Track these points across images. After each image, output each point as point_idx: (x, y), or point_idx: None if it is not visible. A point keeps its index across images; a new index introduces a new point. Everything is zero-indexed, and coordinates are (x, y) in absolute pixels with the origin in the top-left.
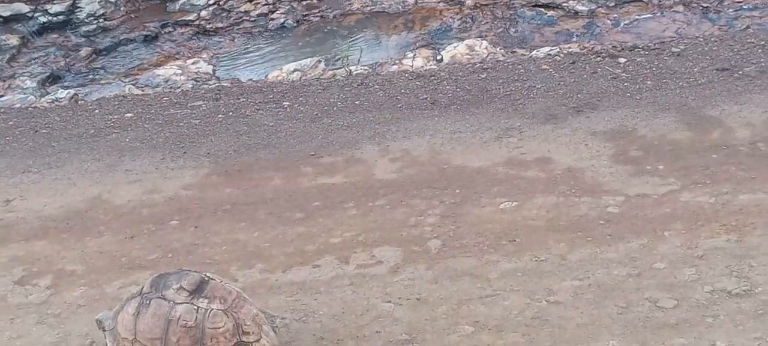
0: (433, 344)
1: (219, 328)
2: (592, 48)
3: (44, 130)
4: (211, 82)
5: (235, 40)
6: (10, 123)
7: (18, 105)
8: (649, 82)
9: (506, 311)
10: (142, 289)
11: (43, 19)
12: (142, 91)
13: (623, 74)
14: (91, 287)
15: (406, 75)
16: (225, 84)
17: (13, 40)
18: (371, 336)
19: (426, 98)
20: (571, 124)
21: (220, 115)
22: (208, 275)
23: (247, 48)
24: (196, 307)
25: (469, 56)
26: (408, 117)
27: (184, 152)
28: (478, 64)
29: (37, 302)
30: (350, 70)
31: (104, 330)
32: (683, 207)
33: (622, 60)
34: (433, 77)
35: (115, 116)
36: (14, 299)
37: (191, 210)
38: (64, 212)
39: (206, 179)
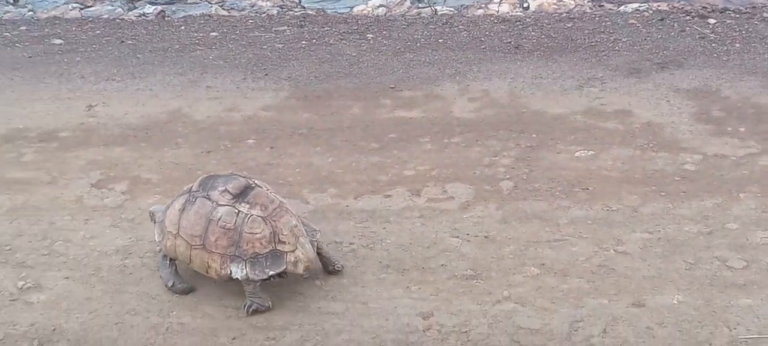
0: (497, 282)
1: (256, 233)
2: (682, 7)
3: (130, 42)
4: (296, 10)
5: None
6: (97, 32)
7: (106, 16)
8: (737, 45)
9: (573, 257)
10: (191, 187)
11: None
12: (228, 12)
13: (711, 35)
14: (166, 196)
15: (492, 18)
16: (310, 12)
17: None
18: (436, 269)
19: (510, 42)
20: (654, 79)
21: (303, 42)
22: (255, 181)
23: None
24: (237, 211)
25: (555, 6)
26: (490, 59)
27: (266, 74)
28: (565, 14)
29: (111, 205)
30: (436, 9)
31: (154, 222)
32: (761, 171)
33: (711, 21)
34: (518, 23)
35: (200, 34)
36: (90, 201)
37: (268, 131)
38: (144, 121)
39: (285, 102)
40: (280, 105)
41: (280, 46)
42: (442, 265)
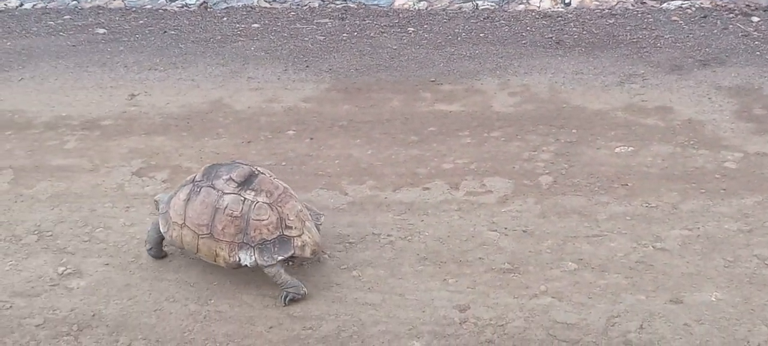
0: (535, 276)
1: (263, 220)
2: (725, 5)
3: (173, 32)
4: (337, 2)
5: None
6: (141, 22)
7: (149, 6)
8: None
9: (611, 252)
10: (194, 177)
11: None
12: (270, 4)
13: (755, 33)
14: None
15: (533, 14)
16: (351, 5)
17: None
18: (474, 262)
19: (551, 37)
20: (696, 76)
21: (344, 34)
22: (258, 169)
23: None
24: (242, 198)
25: (597, 2)
26: (531, 54)
27: (307, 66)
28: (607, 10)
29: (152, 193)
30: (477, 4)
31: (159, 212)
32: None
33: (754, 19)
34: (559, 18)
35: (242, 25)
36: (131, 189)
37: (308, 122)
38: (186, 111)
39: (326, 94)
40: (321, 97)
41: (322, 38)
42: (480, 258)
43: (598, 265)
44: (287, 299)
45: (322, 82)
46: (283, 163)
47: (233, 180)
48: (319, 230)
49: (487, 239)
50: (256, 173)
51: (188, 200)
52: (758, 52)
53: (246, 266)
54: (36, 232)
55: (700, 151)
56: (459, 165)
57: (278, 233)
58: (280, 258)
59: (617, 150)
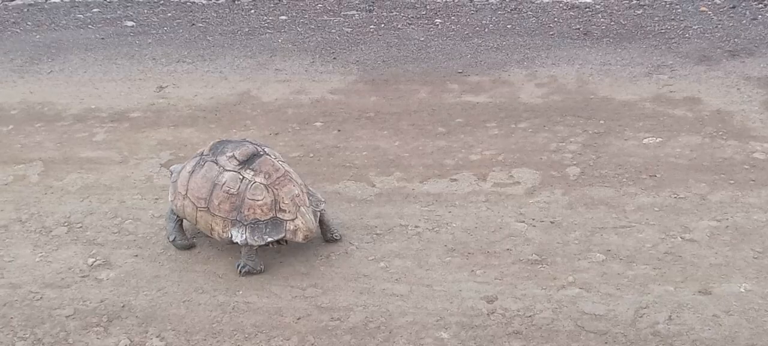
0: (563, 268)
1: (257, 200)
2: None
3: (200, 24)
4: None
5: None
6: (169, 15)
7: None
8: None
9: (639, 243)
10: (203, 151)
11: None
12: None
13: None
14: None
15: (561, 5)
16: None
17: None
18: (501, 253)
19: (578, 28)
20: (724, 67)
21: (371, 26)
22: (264, 149)
23: None
24: (241, 177)
25: None
26: (558, 45)
27: (334, 58)
28: (635, 1)
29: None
30: None
31: (170, 181)
32: None
33: None
34: (587, 9)
35: (270, 18)
36: (160, 181)
37: (336, 114)
38: (214, 103)
39: (353, 86)
40: (348, 88)
41: (349, 30)
42: (507, 249)
43: (626, 256)
44: (244, 269)
45: (349, 73)
46: (311, 155)
47: (235, 158)
48: (316, 216)
49: (514, 230)
50: (260, 153)
51: (192, 172)
52: None
53: (237, 243)
54: (66, 223)
55: (729, 141)
56: (486, 156)
57: (272, 215)
58: (270, 239)
59: (645, 141)
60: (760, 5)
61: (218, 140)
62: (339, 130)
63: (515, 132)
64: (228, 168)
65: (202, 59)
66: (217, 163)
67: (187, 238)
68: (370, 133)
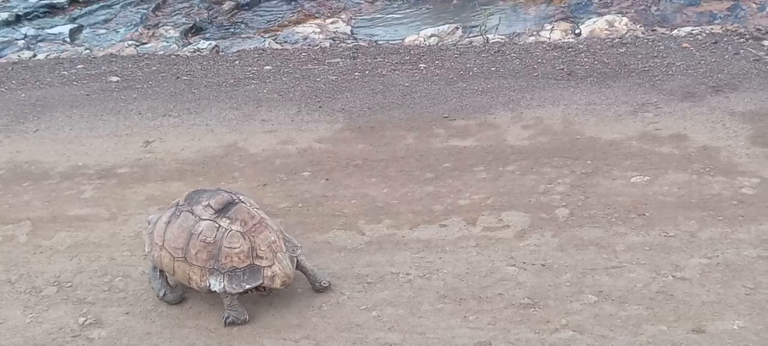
0: (555, 310)
1: (234, 248)
2: (736, 30)
3: (185, 78)
4: (348, 42)
5: (375, 2)
6: (154, 68)
7: (161, 52)
8: None
9: (631, 284)
10: (178, 201)
11: None
12: (282, 46)
13: (766, 57)
14: None
15: (544, 46)
16: (362, 44)
17: None
18: (493, 298)
19: (562, 69)
20: (709, 103)
21: (356, 73)
22: (240, 196)
23: (386, 11)
24: (217, 225)
25: (607, 31)
26: (543, 86)
27: (320, 106)
28: (617, 39)
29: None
30: (487, 38)
31: (146, 232)
32: None
33: (765, 43)
34: (570, 49)
35: (254, 68)
36: None
37: (323, 163)
38: (201, 156)
39: (339, 134)
40: (335, 137)
41: (334, 78)
42: (499, 294)
43: (618, 297)
44: (227, 320)
45: (335, 122)
46: (300, 205)
47: (211, 207)
48: (294, 262)
49: (506, 275)
50: (236, 201)
51: (169, 222)
52: None
53: (215, 291)
54: (55, 283)
55: (717, 178)
56: (475, 200)
57: (249, 262)
58: (248, 286)
59: (633, 180)
60: (742, 40)
61: (193, 190)
62: (327, 179)
63: (503, 175)
64: (204, 217)
65: (188, 112)
66: (192, 213)
67: (174, 290)
68: (358, 181)
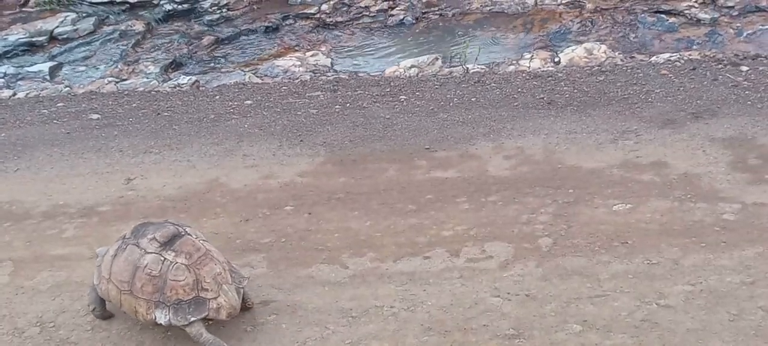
0: (540, 341)
1: (179, 281)
2: (714, 56)
3: (166, 114)
4: (329, 74)
5: (355, 34)
6: (134, 105)
7: (141, 88)
8: None
9: (615, 312)
10: (125, 234)
11: (168, 7)
12: (262, 80)
13: (745, 82)
14: None
15: (523, 75)
16: (343, 76)
17: (139, 26)
18: (478, 329)
19: (542, 98)
20: (689, 129)
21: (337, 106)
22: (186, 229)
23: (366, 43)
24: (163, 259)
25: (587, 59)
26: (523, 116)
27: (301, 140)
28: (596, 68)
29: None
30: (467, 68)
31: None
32: None
33: (743, 68)
34: (550, 78)
35: (235, 103)
36: None
37: (305, 197)
38: (183, 192)
39: (321, 167)
40: (317, 170)
41: (314, 111)
42: (484, 325)
43: (603, 326)
44: None
45: (316, 155)
46: (283, 240)
47: (157, 240)
48: (240, 293)
49: (490, 306)
50: (182, 233)
51: (115, 256)
52: (749, 102)
53: (161, 324)
54: (38, 324)
55: (698, 204)
56: (458, 232)
57: (194, 295)
58: (193, 319)
59: (615, 208)
60: (720, 66)
61: (140, 223)
62: (309, 213)
63: (485, 206)
64: (149, 250)
65: (169, 148)
66: (138, 246)
67: (105, 308)
68: (340, 214)
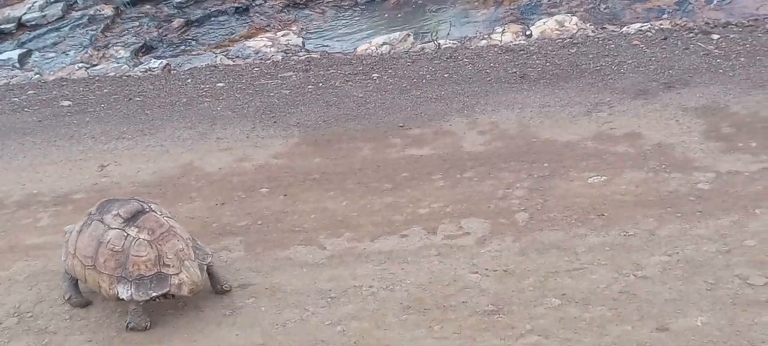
0: (519, 316)
1: (141, 256)
2: (684, 24)
3: (138, 99)
4: (300, 54)
5: (325, 13)
6: (105, 91)
7: (112, 74)
8: (742, 59)
9: (593, 285)
10: (90, 210)
11: None
12: (233, 61)
13: (716, 50)
14: None
15: (495, 49)
16: (315, 56)
17: (108, 11)
18: (457, 306)
19: (515, 72)
20: (661, 99)
21: (309, 86)
22: (150, 205)
23: (337, 21)
24: (125, 234)
25: (558, 32)
26: (497, 90)
27: (274, 122)
28: (568, 40)
29: None
30: (439, 44)
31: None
32: None
33: (714, 36)
34: (522, 52)
35: (207, 86)
36: None
37: (280, 178)
38: (157, 177)
39: (296, 149)
40: (291, 152)
41: (287, 92)
42: (463, 302)
43: (581, 299)
44: (130, 325)
45: (290, 136)
46: (259, 222)
47: (120, 216)
48: (203, 269)
49: (468, 282)
50: (145, 209)
51: (80, 231)
52: (721, 70)
53: (123, 299)
54: (16, 314)
55: (673, 174)
56: (435, 209)
57: (156, 270)
58: (155, 294)
59: (590, 180)
60: (691, 34)
61: (105, 200)
62: (285, 195)
63: (461, 182)
64: (113, 226)
65: (142, 134)
66: (102, 222)
67: (82, 295)
68: (316, 195)
